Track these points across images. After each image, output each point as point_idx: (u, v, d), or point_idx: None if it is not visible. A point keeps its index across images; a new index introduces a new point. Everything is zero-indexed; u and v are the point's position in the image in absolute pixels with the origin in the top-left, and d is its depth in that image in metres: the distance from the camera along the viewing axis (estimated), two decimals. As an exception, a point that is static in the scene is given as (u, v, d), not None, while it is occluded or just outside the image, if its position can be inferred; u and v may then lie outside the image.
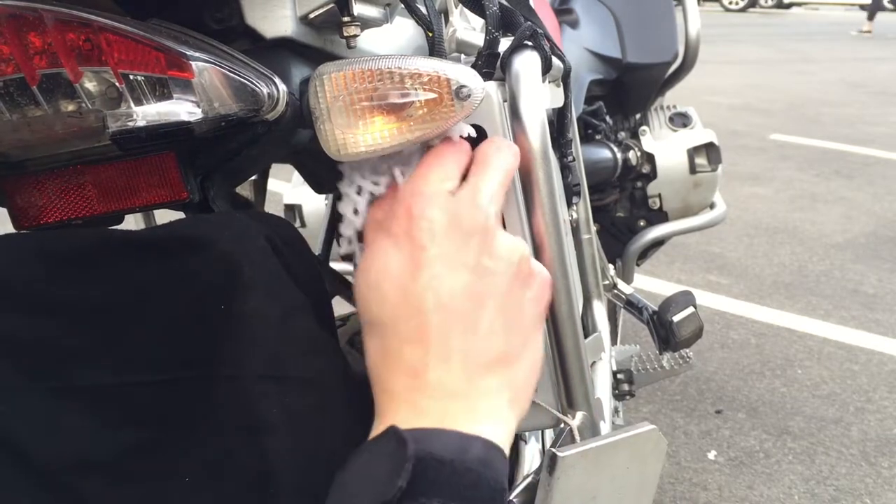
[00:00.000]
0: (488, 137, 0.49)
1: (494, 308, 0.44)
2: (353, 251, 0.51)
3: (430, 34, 0.52)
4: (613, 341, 1.59)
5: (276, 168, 0.71)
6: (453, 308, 0.43)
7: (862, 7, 17.13)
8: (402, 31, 0.65)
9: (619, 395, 1.31)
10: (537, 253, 0.52)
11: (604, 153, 1.66)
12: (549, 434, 0.77)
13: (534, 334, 0.48)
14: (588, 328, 1.05)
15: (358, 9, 0.48)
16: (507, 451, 0.43)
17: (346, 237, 0.51)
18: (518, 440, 0.73)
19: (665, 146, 1.77)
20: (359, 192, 0.50)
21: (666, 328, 1.24)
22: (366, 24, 0.50)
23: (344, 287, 1.13)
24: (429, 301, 0.43)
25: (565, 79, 0.68)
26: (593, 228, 1.07)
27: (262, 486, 0.42)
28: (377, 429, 0.43)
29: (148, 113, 0.42)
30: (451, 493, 0.38)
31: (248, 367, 0.42)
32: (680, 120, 1.81)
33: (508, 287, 0.45)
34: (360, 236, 0.50)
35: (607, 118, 1.71)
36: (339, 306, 1.05)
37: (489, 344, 0.44)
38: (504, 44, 0.53)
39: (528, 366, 0.47)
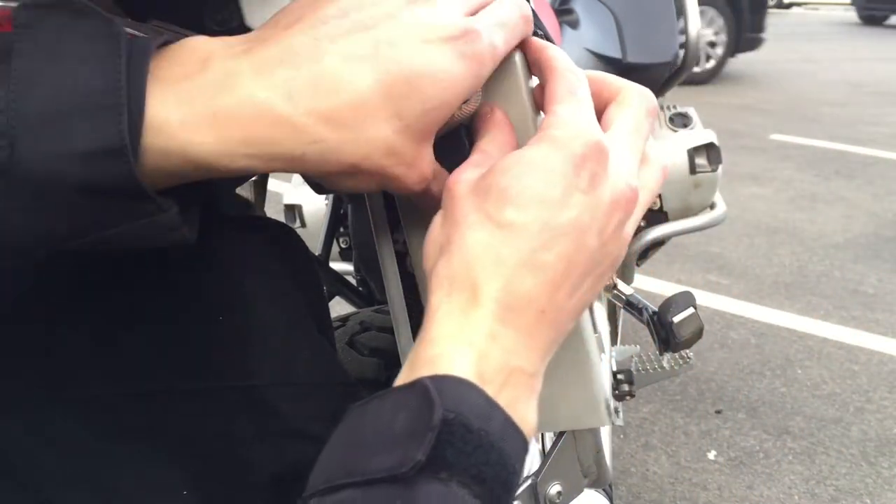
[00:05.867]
0: None
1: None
2: None
3: (431, 36, 0.51)
4: (613, 342, 1.59)
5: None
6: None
7: (862, 7, 17.11)
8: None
9: (619, 395, 1.31)
10: None
11: (604, 153, 1.66)
12: (549, 436, 0.76)
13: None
14: (588, 329, 1.05)
15: (358, 10, 0.48)
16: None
17: None
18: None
19: (665, 146, 1.77)
20: None
21: (666, 329, 1.24)
22: (366, 25, 0.50)
23: (343, 287, 1.12)
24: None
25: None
26: (593, 229, 1.07)
27: (287, 494, 0.41)
28: (422, 338, 0.35)
29: (148, 114, 0.42)
30: (474, 474, 0.31)
31: (260, 376, 0.42)
32: (680, 120, 1.81)
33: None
34: None
35: (607, 118, 1.70)
36: (339, 306, 1.05)
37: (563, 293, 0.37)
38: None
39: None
